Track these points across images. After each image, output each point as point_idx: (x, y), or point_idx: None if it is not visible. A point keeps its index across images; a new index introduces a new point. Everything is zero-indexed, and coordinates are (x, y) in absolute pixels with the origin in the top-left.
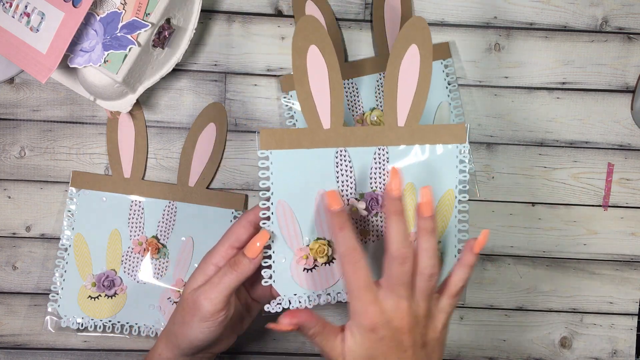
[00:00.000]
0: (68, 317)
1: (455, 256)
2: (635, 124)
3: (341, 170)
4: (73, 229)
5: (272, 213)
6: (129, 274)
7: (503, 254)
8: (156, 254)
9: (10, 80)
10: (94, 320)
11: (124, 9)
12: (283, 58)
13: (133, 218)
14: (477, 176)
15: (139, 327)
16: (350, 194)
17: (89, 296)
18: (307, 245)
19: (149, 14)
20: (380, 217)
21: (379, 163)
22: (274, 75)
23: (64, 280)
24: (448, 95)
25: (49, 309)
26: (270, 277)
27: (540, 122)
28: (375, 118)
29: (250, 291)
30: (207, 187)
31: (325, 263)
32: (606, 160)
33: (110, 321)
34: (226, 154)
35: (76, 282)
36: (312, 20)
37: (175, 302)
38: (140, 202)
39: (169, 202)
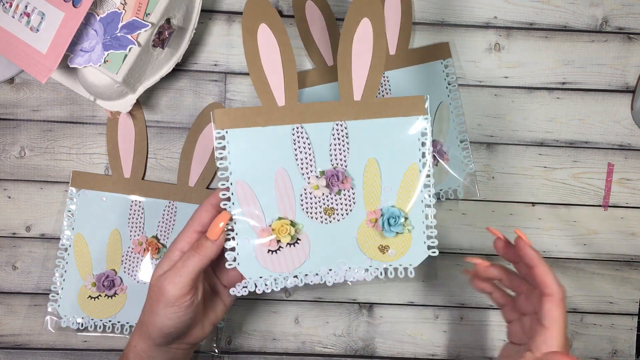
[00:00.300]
0: (68, 317)
1: (424, 232)
2: (635, 124)
3: (299, 147)
4: (73, 229)
5: (232, 194)
6: (129, 274)
7: None
8: (156, 254)
9: (10, 80)
10: (94, 320)
11: (124, 9)
12: None
13: (133, 218)
14: (477, 176)
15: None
16: (311, 171)
17: (89, 296)
18: (270, 226)
19: (149, 14)
20: (344, 194)
21: (338, 139)
22: None
23: (64, 280)
24: (448, 95)
25: (49, 309)
26: (235, 260)
27: (540, 122)
28: None
29: (221, 278)
30: (207, 187)
31: (290, 244)
32: (606, 160)
33: (110, 321)
34: None
35: (76, 282)
36: (261, 0)
37: None
38: (140, 202)
39: (169, 202)
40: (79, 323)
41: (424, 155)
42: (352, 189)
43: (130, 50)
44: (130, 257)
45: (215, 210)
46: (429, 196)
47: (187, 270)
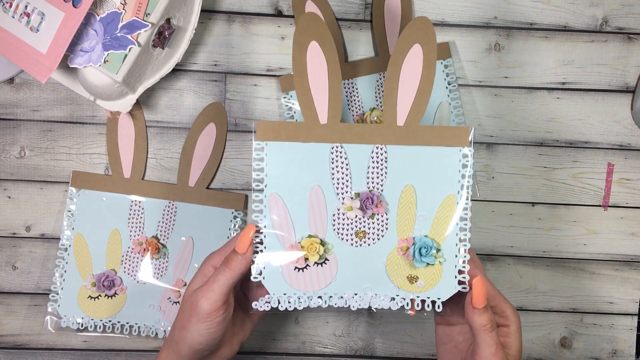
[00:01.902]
0: (68, 317)
1: (456, 266)
2: (635, 124)
3: (337, 166)
4: (73, 229)
5: (265, 206)
6: (129, 274)
7: (503, 254)
8: (156, 254)
9: (10, 80)
10: (94, 320)
11: (124, 9)
12: (283, 58)
13: (133, 218)
14: (477, 176)
15: (139, 327)
16: (346, 192)
17: (89, 296)
18: (299, 242)
19: (149, 14)
20: (377, 219)
21: (377, 162)
22: (274, 75)
23: (64, 280)
24: (448, 95)
25: (49, 309)
26: (260, 274)
27: (540, 122)
28: (375, 118)
29: (250, 296)
30: (207, 187)
31: (317, 263)
32: (606, 160)
33: (110, 321)
34: (226, 154)
35: (76, 282)
36: (315, 17)
37: (176, 302)
38: (140, 202)
39: (169, 202)
40: (79, 323)
41: (462, 187)
42: (386, 214)
43: (130, 50)
44: (130, 257)
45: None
46: (465, 230)
47: (218, 285)
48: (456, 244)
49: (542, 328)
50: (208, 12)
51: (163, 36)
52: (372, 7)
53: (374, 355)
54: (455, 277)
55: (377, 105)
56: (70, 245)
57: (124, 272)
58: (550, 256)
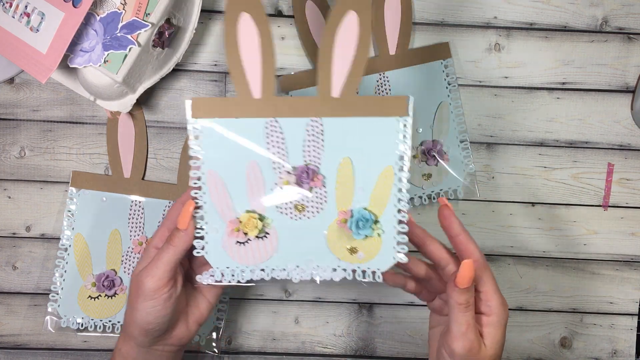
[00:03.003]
0: (68, 317)
1: (394, 238)
2: (635, 124)
3: (272, 141)
4: (73, 229)
5: (204, 183)
6: (129, 274)
7: (503, 254)
8: None
9: (10, 80)
10: (94, 320)
11: (124, 9)
12: (283, 58)
13: (133, 218)
14: (477, 176)
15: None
16: (282, 166)
17: (89, 296)
18: (238, 218)
19: (149, 14)
20: (315, 192)
21: (313, 135)
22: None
23: (64, 280)
24: (448, 95)
25: (49, 309)
26: (203, 248)
27: (540, 122)
28: None
29: (199, 272)
30: None
31: (258, 237)
32: (606, 160)
33: (110, 321)
34: None
35: (76, 282)
36: None
37: None
38: (140, 202)
39: (169, 202)
40: (78, 323)
41: (401, 158)
42: (324, 187)
43: (130, 50)
44: (130, 257)
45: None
46: (403, 201)
47: (162, 262)
48: (394, 215)
49: (542, 328)
50: (208, 12)
51: (163, 36)
52: (372, 7)
53: (374, 355)
54: (394, 248)
55: None
56: (70, 245)
57: (124, 272)
58: (550, 256)
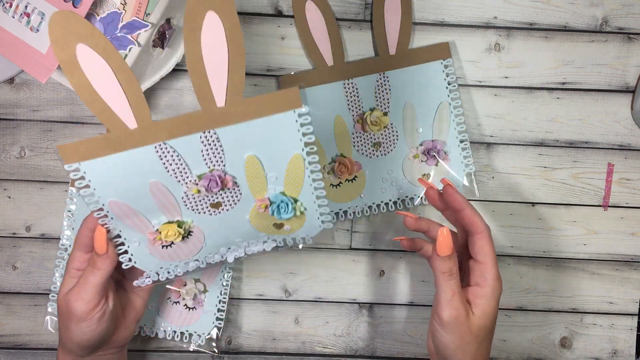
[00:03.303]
0: None
1: (317, 210)
2: (635, 124)
3: (168, 161)
4: (73, 229)
5: (108, 211)
6: None
7: (503, 254)
8: None
9: (10, 80)
10: None
11: (124, 9)
12: (283, 58)
13: None
14: (477, 176)
15: (137, 328)
16: (188, 179)
17: None
18: (157, 230)
19: (149, 14)
20: (228, 190)
21: (209, 145)
22: (274, 76)
23: None
24: (448, 96)
25: (49, 309)
26: (130, 260)
27: (540, 122)
28: (376, 118)
29: (130, 277)
30: None
31: (183, 237)
32: (606, 160)
33: None
34: None
35: None
36: None
37: (175, 302)
38: None
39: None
40: None
41: (306, 144)
42: (237, 185)
43: (130, 50)
44: None
45: (92, 232)
46: (318, 180)
47: (89, 285)
48: (312, 192)
49: (542, 328)
50: None
51: (163, 36)
52: (372, 7)
53: (374, 355)
54: (318, 217)
55: (377, 105)
56: (70, 245)
57: None
58: (550, 256)
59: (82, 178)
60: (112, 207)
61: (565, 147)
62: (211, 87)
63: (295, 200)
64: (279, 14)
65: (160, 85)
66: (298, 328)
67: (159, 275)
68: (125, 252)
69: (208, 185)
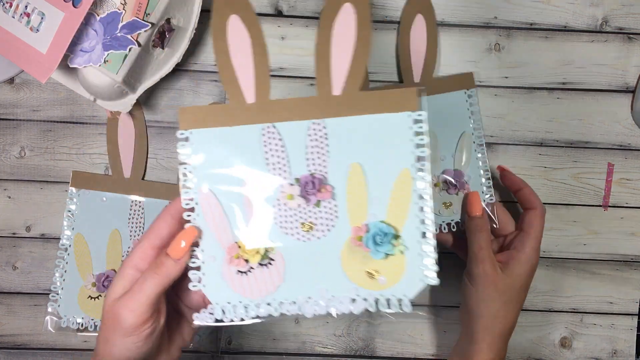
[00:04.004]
0: (68, 317)
1: (419, 255)
2: (635, 124)
3: (271, 149)
4: (73, 229)
5: (197, 203)
6: None
7: None
8: None
9: (11, 80)
10: (94, 320)
11: (124, 9)
12: (283, 58)
13: (133, 218)
14: None
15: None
16: (284, 178)
17: (89, 296)
18: (237, 242)
19: (149, 14)
20: (324, 206)
21: (316, 140)
22: (275, 75)
23: (64, 280)
24: (471, 125)
25: (49, 309)
26: (200, 281)
27: (540, 122)
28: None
29: (183, 297)
30: None
31: (261, 264)
32: (606, 160)
33: None
34: None
35: (76, 282)
36: None
37: None
38: (140, 202)
39: (169, 202)
40: (79, 323)
41: (418, 159)
42: (334, 199)
43: (130, 50)
44: None
45: (175, 221)
46: (426, 209)
47: (145, 294)
48: (417, 227)
49: (542, 328)
50: (208, 12)
51: (163, 36)
52: (398, 35)
53: (374, 355)
54: (420, 267)
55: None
56: (70, 246)
57: None
58: (550, 256)
59: (188, 151)
60: (201, 198)
61: (565, 147)
62: (331, 74)
63: (396, 236)
64: (279, 13)
65: (161, 85)
66: (298, 328)
67: (224, 313)
68: (198, 268)
69: (304, 187)
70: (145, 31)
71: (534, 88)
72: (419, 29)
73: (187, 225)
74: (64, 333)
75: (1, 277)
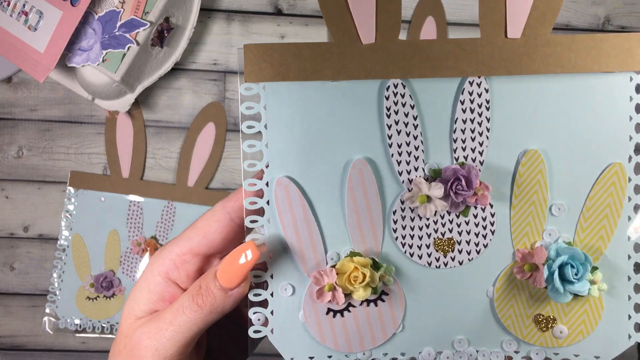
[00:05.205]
0: (66, 318)
1: (630, 298)
2: None
3: (396, 122)
4: (71, 229)
5: (268, 202)
6: (127, 274)
7: None
8: None
9: (8, 79)
10: (92, 321)
11: (122, 7)
12: None
13: (132, 218)
14: None
15: None
16: (415, 166)
17: (87, 297)
18: (333, 266)
19: (147, 12)
20: (475, 215)
21: (471, 111)
22: None
23: (62, 281)
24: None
25: (47, 310)
26: (265, 324)
27: None
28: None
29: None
30: (207, 187)
31: (369, 301)
32: None
33: (108, 322)
34: (225, 154)
35: (74, 283)
36: None
37: None
38: (138, 202)
39: (168, 202)
40: (77, 324)
41: (637, 149)
42: (491, 206)
43: (128, 49)
44: (128, 257)
45: (233, 225)
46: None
47: (180, 332)
48: (629, 256)
49: None
50: (207, 11)
51: (162, 35)
52: (407, 36)
53: None
54: (628, 316)
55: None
56: (68, 246)
57: (123, 272)
58: None
59: (257, 118)
60: (277, 192)
61: None
62: (507, 12)
63: (594, 268)
64: (278, 12)
65: (159, 85)
66: None
67: None
68: (263, 303)
69: (452, 185)
70: (143, 30)
71: None
72: (428, 29)
73: (249, 238)
74: (62, 334)
75: None
